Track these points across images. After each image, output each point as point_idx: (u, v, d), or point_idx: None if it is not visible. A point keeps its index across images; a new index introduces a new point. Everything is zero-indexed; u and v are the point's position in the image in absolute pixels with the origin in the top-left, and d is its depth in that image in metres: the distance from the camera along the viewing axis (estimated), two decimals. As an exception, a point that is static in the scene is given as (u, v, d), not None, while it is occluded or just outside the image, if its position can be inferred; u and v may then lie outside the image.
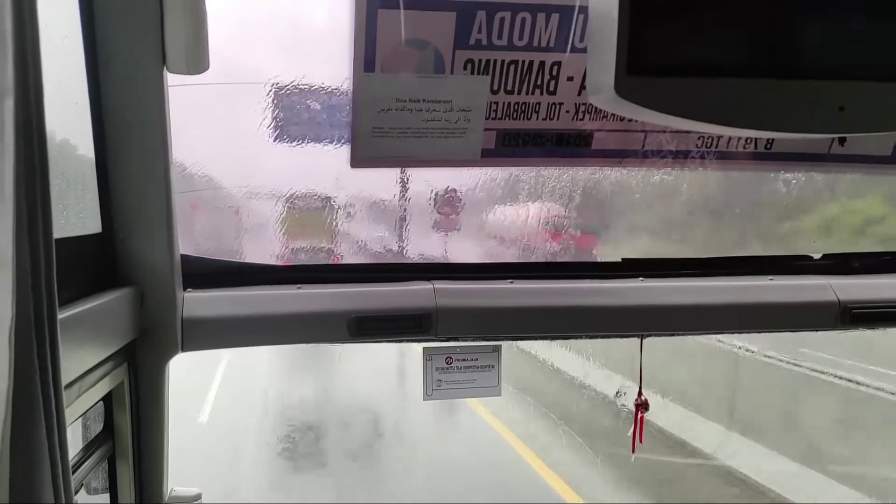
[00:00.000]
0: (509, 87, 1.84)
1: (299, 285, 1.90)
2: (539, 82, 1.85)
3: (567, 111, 1.90)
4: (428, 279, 1.96)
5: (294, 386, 10.50)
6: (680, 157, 2.07)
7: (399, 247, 2.26)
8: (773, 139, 2.07)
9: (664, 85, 1.27)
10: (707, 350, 7.86)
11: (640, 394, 2.21)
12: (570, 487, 7.54)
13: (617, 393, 5.30)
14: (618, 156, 2.03)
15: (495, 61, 1.80)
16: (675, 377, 7.88)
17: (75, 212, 1.57)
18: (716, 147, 2.06)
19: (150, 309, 1.67)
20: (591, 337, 2.19)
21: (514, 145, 1.92)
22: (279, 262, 2.11)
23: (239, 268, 1.99)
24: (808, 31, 1.29)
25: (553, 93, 1.87)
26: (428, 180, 2.20)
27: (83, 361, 1.30)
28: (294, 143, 1.94)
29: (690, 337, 2.70)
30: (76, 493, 1.44)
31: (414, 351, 2.05)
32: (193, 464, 4.77)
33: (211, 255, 1.97)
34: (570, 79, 1.85)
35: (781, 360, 7.71)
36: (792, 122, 1.32)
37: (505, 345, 2.06)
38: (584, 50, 1.71)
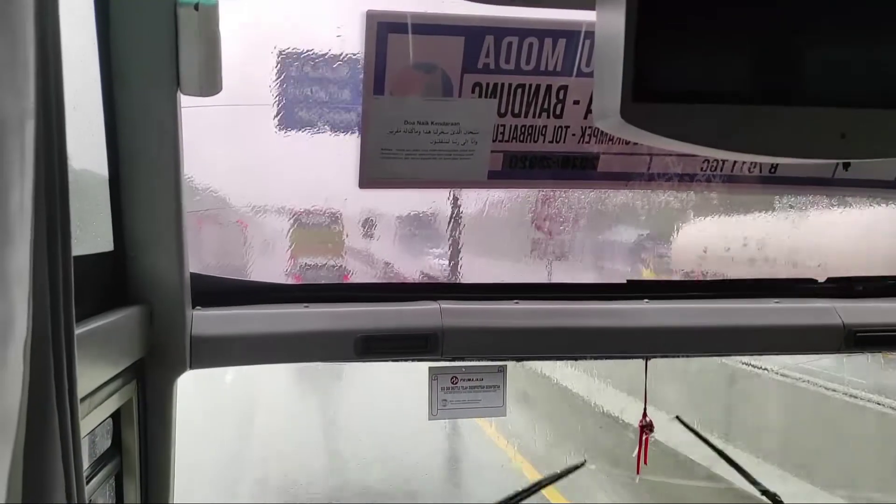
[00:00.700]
0: (516, 111, 1.86)
1: (306, 304, 1.92)
2: (546, 106, 1.87)
3: (573, 134, 1.92)
4: (434, 299, 1.98)
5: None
6: (685, 179, 2.08)
7: (405, 266, 2.28)
8: (777, 164, 2.08)
9: (669, 111, 1.28)
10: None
11: (644, 415, 2.21)
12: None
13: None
14: (623, 178, 2.05)
15: (503, 85, 1.82)
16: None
17: (88, 230, 1.60)
18: (721, 170, 2.08)
19: (159, 327, 1.69)
20: (596, 358, 2.19)
21: (520, 167, 1.94)
22: (287, 281, 2.13)
23: (247, 286, 2.01)
24: (811, 59, 1.32)
25: (559, 116, 1.89)
26: (434, 201, 2.22)
27: (93, 378, 1.32)
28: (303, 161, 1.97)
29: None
30: None
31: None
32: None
33: (220, 274, 1.99)
34: (576, 102, 1.88)
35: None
36: (794, 148, 1.34)
37: (511, 366, 2.07)
38: (590, 74, 1.73)
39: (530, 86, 1.84)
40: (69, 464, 0.79)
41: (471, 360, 2.02)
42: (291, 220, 2.17)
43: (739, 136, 1.31)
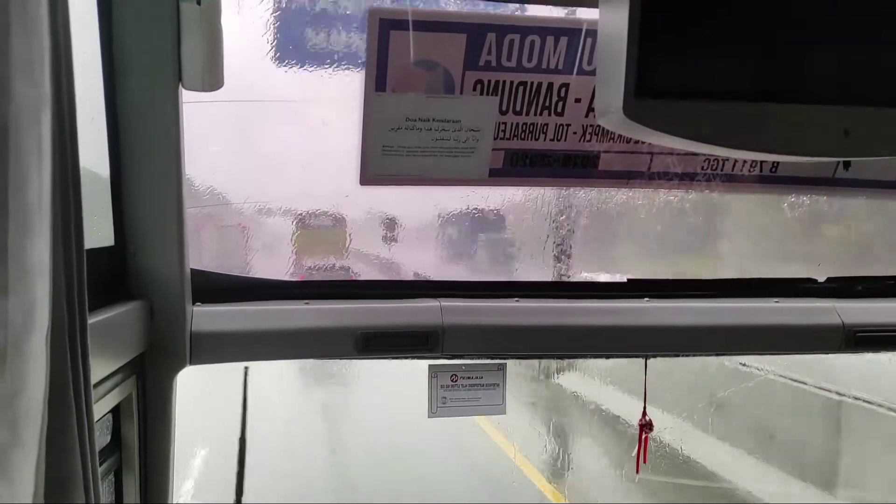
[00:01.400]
0: (518, 108, 1.86)
1: (307, 301, 1.91)
2: (547, 103, 1.87)
3: (574, 132, 1.93)
4: (435, 297, 1.98)
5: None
6: (686, 178, 2.08)
7: (406, 264, 2.28)
8: (777, 163, 2.08)
9: (671, 107, 1.29)
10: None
11: (644, 414, 2.21)
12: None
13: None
14: (624, 177, 2.05)
15: (504, 82, 1.82)
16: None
17: (90, 225, 1.59)
18: (721, 170, 2.08)
19: (159, 322, 1.69)
20: (596, 356, 2.19)
21: (521, 165, 1.94)
22: (287, 278, 2.13)
23: (248, 283, 2.00)
24: (814, 57, 1.32)
25: (561, 114, 1.89)
26: (437, 202, 2.22)
27: (93, 373, 1.31)
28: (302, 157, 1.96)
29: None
30: None
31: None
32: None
33: (220, 270, 1.99)
34: (577, 100, 1.88)
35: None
36: (796, 146, 1.34)
37: (511, 364, 2.07)
38: (592, 72, 1.74)
39: (532, 83, 1.84)
40: (85, 453, 0.79)
41: (471, 358, 2.02)
42: (291, 218, 2.17)
43: (742, 133, 1.31)
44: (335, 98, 1.92)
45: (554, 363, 8.20)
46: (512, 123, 1.88)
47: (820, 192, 2.31)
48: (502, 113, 1.86)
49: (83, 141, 1.53)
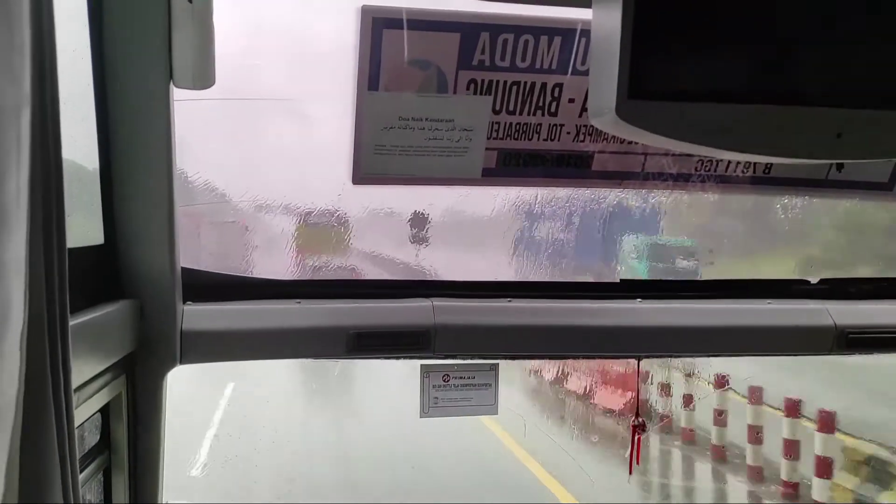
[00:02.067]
0: (511, 108, 1.86)
1: (299, 300, 1.91)
2: (540, 103, 1.87)
3: (568, 132, 1.92)
4: (427, 296, 1.97)
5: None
6: (680, 179, 2.08)
7: (399, 263, 2.28)
8: (771, 164, 2.08)
9: (664, 109, 1.28)
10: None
11: (637, 414, 2.21)
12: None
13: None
14: (618, 177, 2.05)
15: (498, 82, 1.82)
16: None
17: (78, 223, 1.58)
18: (715, 171, 2.08)
19: (149, 321, 1.68)
20: (589, 357, 2.19)
21: (514, 165, 1.94)
22: (279, 277, 2.12)
23: (239, 281, 2.00)
24: (807, 59, 1.32)
25: (554, 114, 1.89)
26: (432, 202, 2.21)
27: (81, 372, 1.31)
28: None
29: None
30: None
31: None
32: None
33: (211, 269, 1.98)
34: (571, 101, 1.87)
35: None
36: (789, 148, 1.34)
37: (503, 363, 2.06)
38: (585, 72, 1.73)
39: (525, 83, 1.83)
40: (64, 455, 0.78)
41: (463, 358, 2.01)
42: (285, 217, 2.16)
43: (734, 134, 1.31)
44: (328, 96, 1.91)
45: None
46: (505, 123, 1.88)
47: (813, 193, 2.31)
48: (496, 112, 1.85)
49: (74, 139, 1.53)
